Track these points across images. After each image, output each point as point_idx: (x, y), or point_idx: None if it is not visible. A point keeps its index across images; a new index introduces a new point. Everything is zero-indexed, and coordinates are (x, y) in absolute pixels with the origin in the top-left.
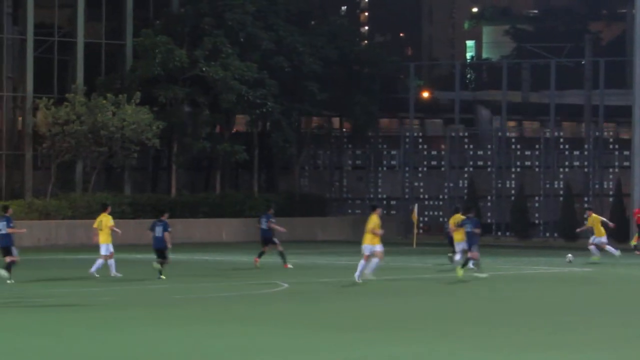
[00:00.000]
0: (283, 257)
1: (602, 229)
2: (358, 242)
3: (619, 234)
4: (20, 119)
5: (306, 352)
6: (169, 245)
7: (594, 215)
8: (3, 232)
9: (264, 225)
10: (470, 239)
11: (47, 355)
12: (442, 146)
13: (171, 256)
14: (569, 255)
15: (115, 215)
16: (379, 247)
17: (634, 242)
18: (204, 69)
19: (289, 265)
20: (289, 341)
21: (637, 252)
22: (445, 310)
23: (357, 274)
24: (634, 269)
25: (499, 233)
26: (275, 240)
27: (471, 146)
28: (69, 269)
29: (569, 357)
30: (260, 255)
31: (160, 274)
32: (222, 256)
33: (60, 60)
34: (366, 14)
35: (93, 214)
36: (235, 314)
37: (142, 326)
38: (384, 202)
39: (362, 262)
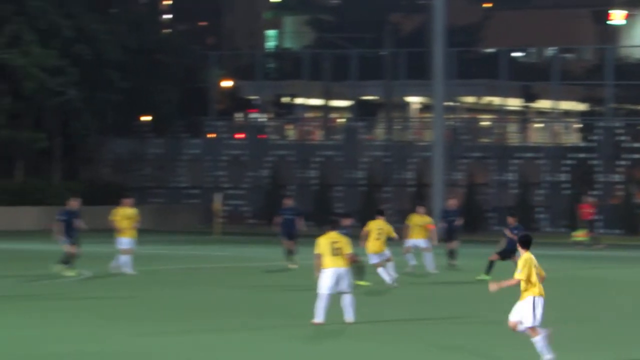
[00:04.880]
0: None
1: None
2: (158, 231)
3: None
4: None
5: (95, 341)
6: None
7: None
8: None
9: None
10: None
11: None
12: (245, 135)
13: None
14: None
15: None
16: None
17: (580, 237)
18: (3, 56)
19: None
20: (79, 330)
21: (598, 246)
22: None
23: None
24: None
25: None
26: None
27: (275, 136)
28: None
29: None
30: None
31: None
32: (23, 245)
33: None
34: (168, 2)
35: None
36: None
37: None
38: (186, 191)
39: None
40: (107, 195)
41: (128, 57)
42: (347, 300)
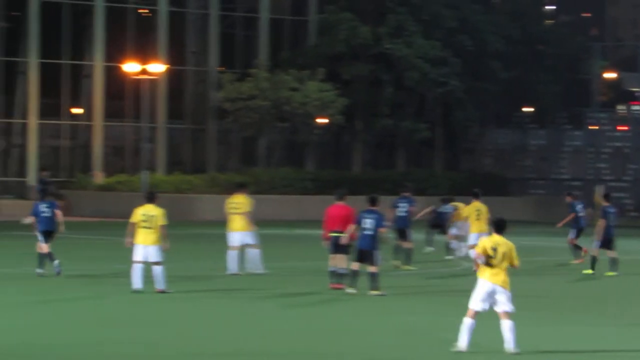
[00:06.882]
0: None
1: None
2: (540, 222)
3: None
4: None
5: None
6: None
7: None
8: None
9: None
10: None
11: None
12: (627, 127)
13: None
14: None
15: (297, 190)
16: None
17: None
18: (387, 46)
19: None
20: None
21: None
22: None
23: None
24: None
25: None
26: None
27: None
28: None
29: None
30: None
31: None
32: None
33: (244, 36)
34: None
35: (276, 189)
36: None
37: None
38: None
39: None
40: (488, 186)
41: (510, 47)
42: None
